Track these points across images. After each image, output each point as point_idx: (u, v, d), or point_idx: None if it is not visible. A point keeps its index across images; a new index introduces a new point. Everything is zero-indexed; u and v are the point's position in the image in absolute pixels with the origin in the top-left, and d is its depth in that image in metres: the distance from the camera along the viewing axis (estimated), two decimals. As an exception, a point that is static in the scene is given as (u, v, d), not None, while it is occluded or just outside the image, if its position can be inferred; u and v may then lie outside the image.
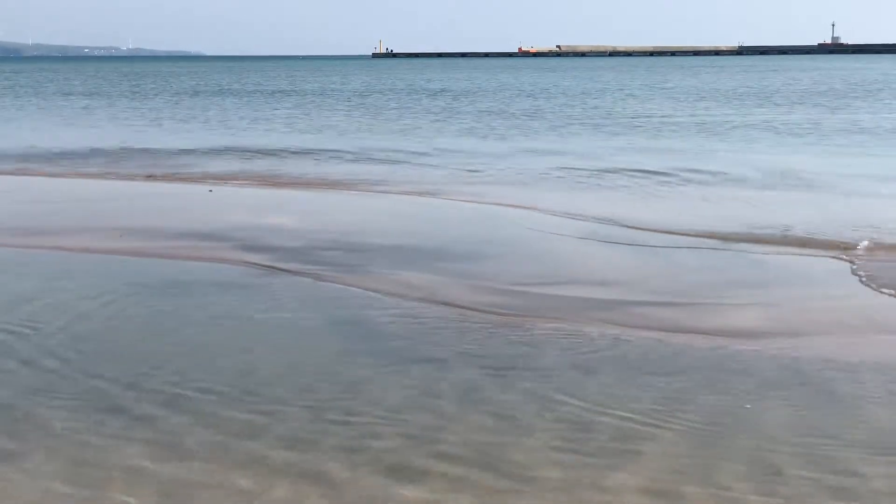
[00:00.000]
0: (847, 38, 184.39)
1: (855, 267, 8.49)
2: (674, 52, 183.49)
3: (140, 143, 21.85)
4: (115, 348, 6.35)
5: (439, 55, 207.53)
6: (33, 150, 20.21)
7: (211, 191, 13.87)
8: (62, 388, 5.61)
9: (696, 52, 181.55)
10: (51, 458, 4.68)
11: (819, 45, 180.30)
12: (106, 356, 6.18)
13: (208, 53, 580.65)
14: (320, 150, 19.96)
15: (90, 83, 64.54)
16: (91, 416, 5.17)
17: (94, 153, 19.85)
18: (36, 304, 7.41)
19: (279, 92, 50.77)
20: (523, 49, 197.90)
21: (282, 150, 20.05)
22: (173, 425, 5.04)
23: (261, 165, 17.49)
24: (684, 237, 9.99)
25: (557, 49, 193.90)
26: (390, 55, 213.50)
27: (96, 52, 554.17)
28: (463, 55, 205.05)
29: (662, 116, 29.19)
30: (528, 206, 12.10)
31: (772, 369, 5.85)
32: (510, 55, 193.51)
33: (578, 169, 16.16)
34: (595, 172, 15.62)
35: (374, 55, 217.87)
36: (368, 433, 4.92)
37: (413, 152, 19.32)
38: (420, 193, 13.52)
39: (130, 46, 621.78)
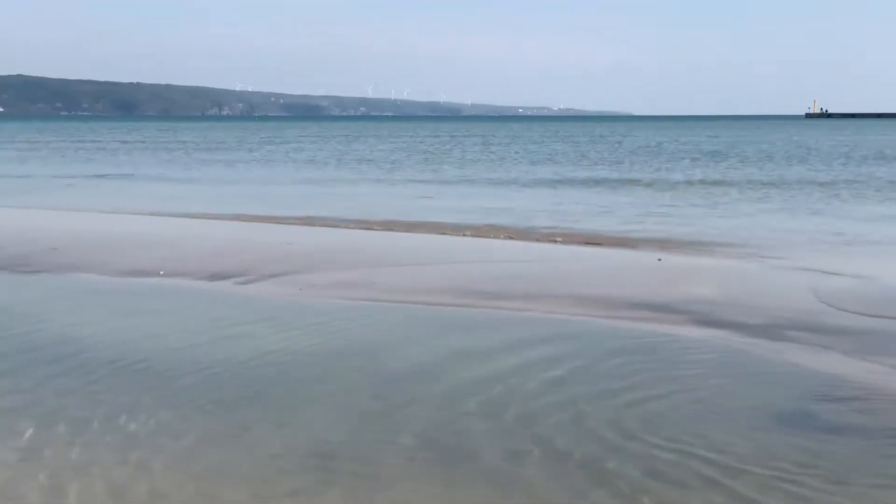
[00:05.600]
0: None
1: None
2: None
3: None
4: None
5: (878, 116, 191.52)
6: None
7: (660, 259, 14.19)
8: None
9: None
10: None
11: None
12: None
13: (636, 113, 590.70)
14: None
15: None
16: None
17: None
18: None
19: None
20: None
21: None
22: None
23: None
24: None
25: None
26: (825, 115, 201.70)
27: (528, 112, 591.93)
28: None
29: None
30: None
31: None
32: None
33: None
34: None
35: (808, 115, 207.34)
36: None
37: None
38: None
39: (561, 106, 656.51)
